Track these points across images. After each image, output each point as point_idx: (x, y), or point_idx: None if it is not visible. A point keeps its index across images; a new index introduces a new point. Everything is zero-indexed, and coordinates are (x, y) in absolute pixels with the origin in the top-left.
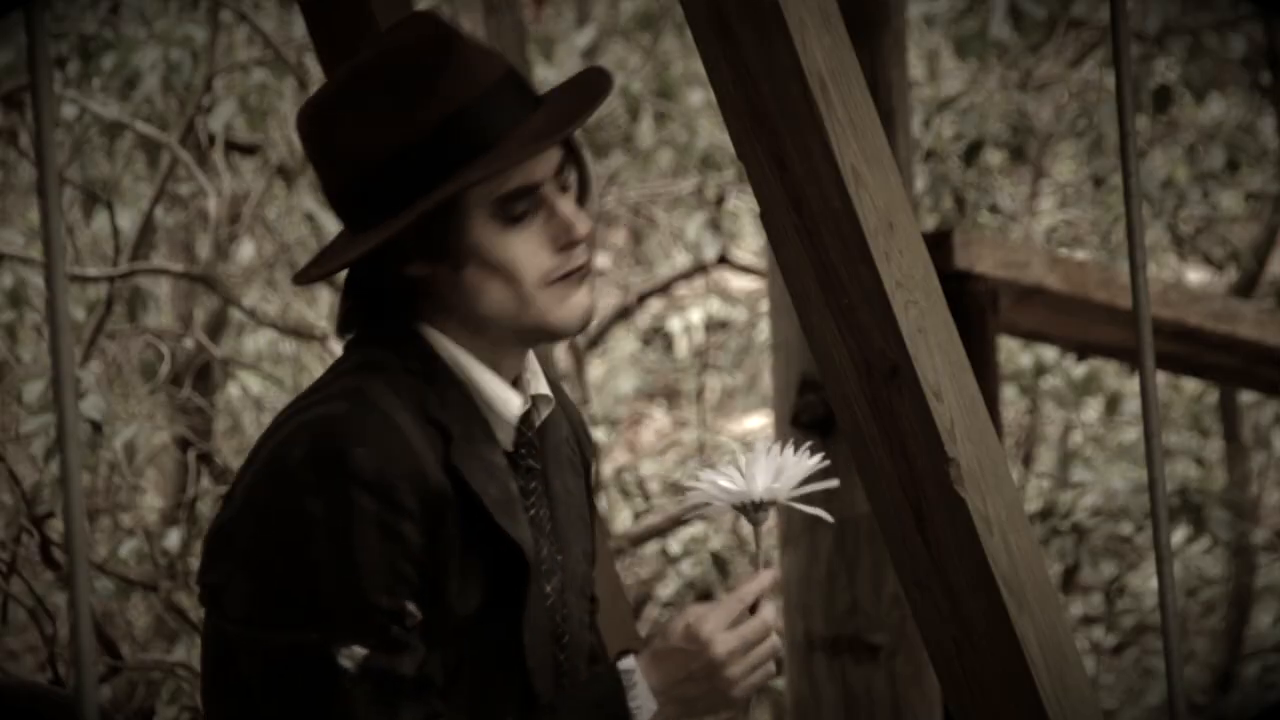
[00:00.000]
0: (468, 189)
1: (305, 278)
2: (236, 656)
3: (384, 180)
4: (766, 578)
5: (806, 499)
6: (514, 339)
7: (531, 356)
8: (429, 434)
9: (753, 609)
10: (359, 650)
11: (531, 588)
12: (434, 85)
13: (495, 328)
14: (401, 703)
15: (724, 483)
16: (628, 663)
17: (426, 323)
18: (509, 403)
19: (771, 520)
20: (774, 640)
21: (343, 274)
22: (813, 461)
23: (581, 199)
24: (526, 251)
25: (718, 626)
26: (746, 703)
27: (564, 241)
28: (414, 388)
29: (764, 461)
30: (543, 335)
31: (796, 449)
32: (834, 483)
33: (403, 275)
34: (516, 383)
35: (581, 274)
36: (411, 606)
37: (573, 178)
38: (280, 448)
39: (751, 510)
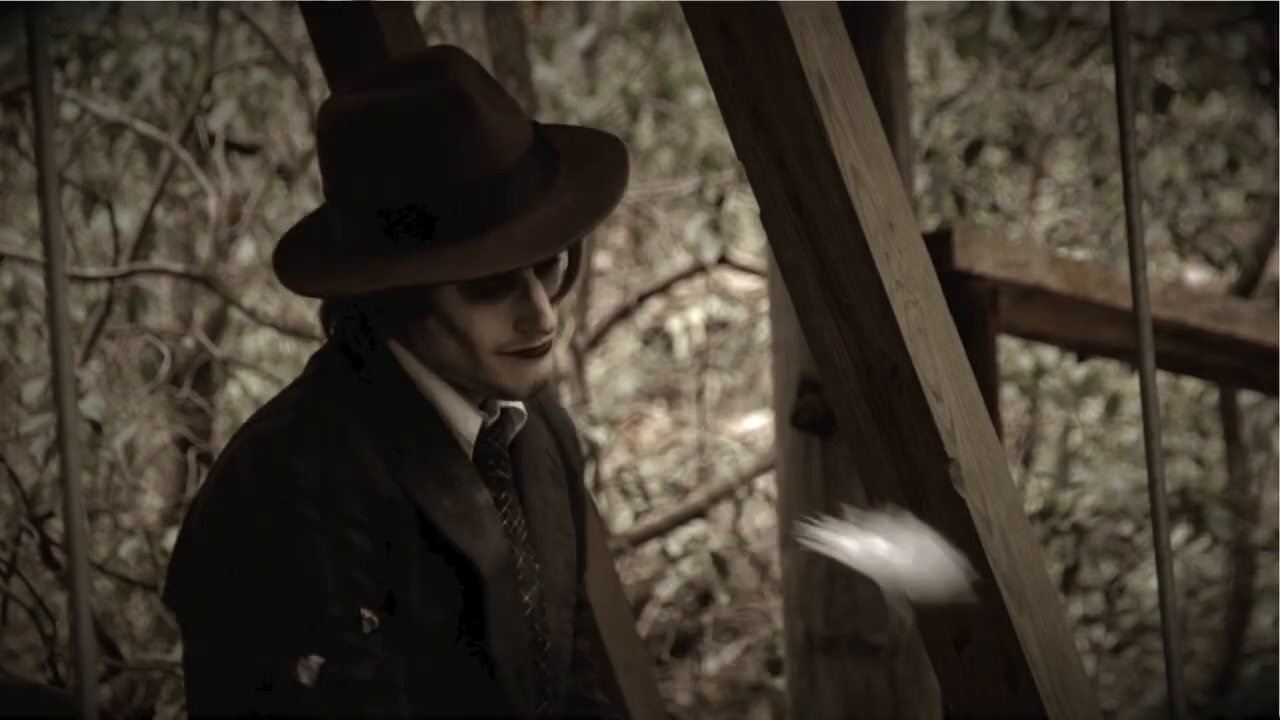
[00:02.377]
0: None
1: (307, 290)
2: (206, 672)
3: (391, 219)
4: None
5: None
6: (466, 384)
7: None
8: (379, 444)
9: None
10: (315, 660)
11: (490, 599)
12: (459, 153)
13: (449, 373)
14: (362, 708)
15: (872, 552)
16: None
17: (394, 339)
18: (467, 421)
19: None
20: None
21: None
22: (952, 556)
23: (569, 274)
24: (488, 324)
25: None
26: None
27: (527, 326)
28: (366, 398)
29: (902, 540)
30: (494, 393)
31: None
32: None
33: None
34: (485, 402)
35: (540, 352)
36: (367, 613)
37: (562, 255)
38: (230, 463)
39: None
